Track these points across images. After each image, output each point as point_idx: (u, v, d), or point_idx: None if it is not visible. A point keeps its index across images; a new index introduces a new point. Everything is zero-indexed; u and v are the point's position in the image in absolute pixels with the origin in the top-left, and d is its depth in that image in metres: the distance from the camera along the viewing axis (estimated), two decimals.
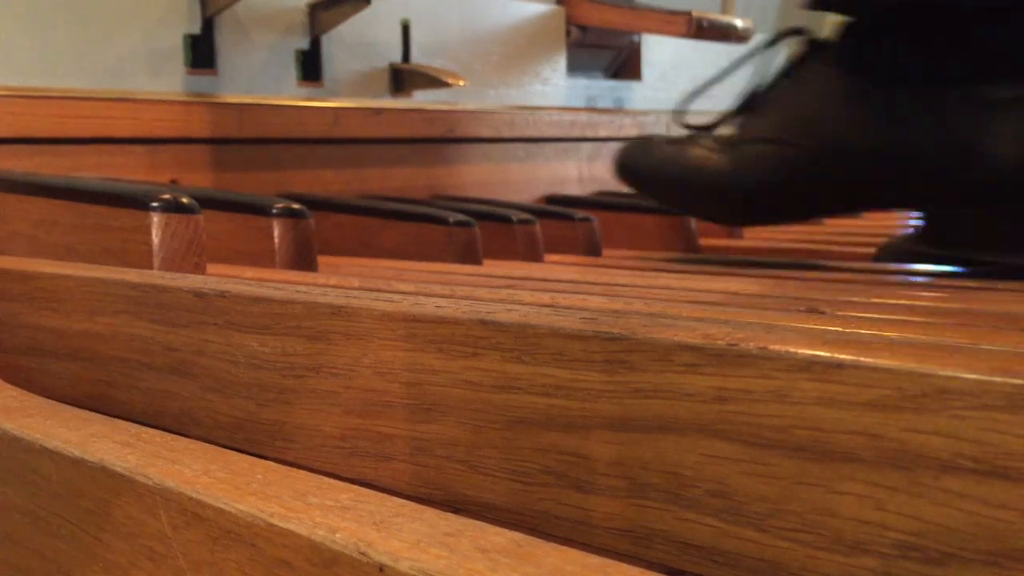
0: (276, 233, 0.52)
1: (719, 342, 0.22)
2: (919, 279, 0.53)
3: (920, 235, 0.63)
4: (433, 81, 0.85)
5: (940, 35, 0.57)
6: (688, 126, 0.70)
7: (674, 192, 0.66)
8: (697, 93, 0.72)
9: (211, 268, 0.49)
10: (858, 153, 0.57)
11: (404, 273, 0.52)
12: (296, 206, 0.54)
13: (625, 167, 0.69)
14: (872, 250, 0.68)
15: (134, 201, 0.47)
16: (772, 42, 0.67)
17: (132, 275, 0.37)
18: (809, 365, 0.20)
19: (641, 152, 0.68)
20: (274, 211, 0.53)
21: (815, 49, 0.62)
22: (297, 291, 0.31)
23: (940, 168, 0.56)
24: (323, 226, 0.65)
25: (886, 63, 0.57)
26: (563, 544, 0.19)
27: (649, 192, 0.69)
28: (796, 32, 0.64)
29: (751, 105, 0.64)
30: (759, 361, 0.21)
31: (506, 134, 0.95)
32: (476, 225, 0.64)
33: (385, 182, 0.84)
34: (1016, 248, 0.57)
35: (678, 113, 0.71)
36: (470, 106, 0.92)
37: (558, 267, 0.63)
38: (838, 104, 0.58)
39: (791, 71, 0.62)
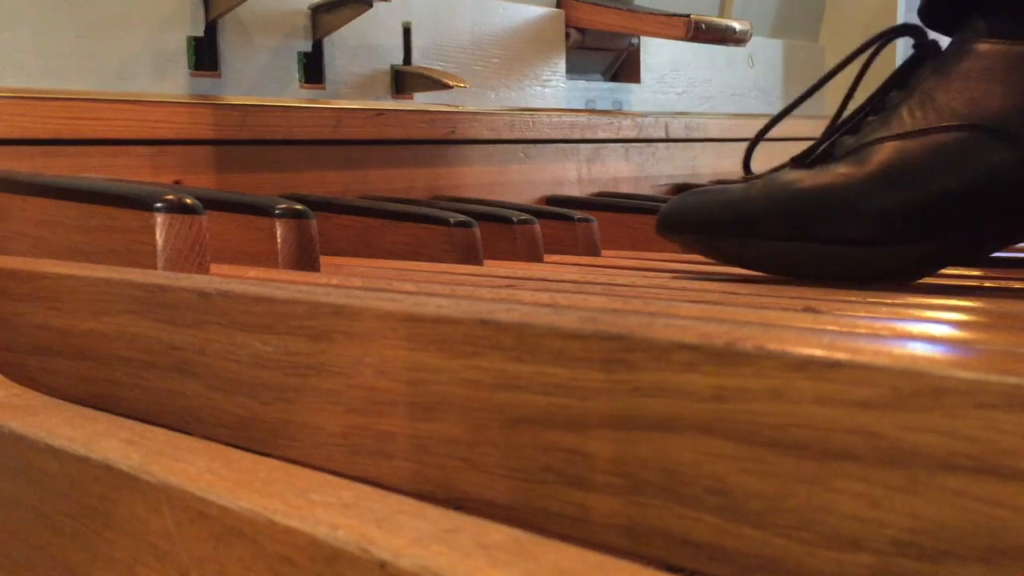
0: (279, 233, 0.52)
1: (717, 341, 0.22)
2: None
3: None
4: (434, 83, 0.86)
5: None
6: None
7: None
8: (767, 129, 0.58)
9: (214, 268, 0.49)
10: None
11: (405, 273, 0.53)
12: (299, 207, 0.54)
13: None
14: None
15: (138, 202, 0.47)
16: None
17: (136, 275, 0.38)
18: (805, 364, 0.20)
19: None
20: (277, 212, 0.53)
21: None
22: (299, 291, 0.31)
23: None
24: (325, 227, 0.65)
25: None
26: (563, 541, 0.19)
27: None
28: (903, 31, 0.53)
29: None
30: (756, 360, 0.21)
31: (506, 136, 0.95)
32: (476, 226, 0.64)
33: (386, 183, 0.84)
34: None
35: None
36: (470, 108, 0.92)
37: (558, 267, 0.64)
38: None
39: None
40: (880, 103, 0.51)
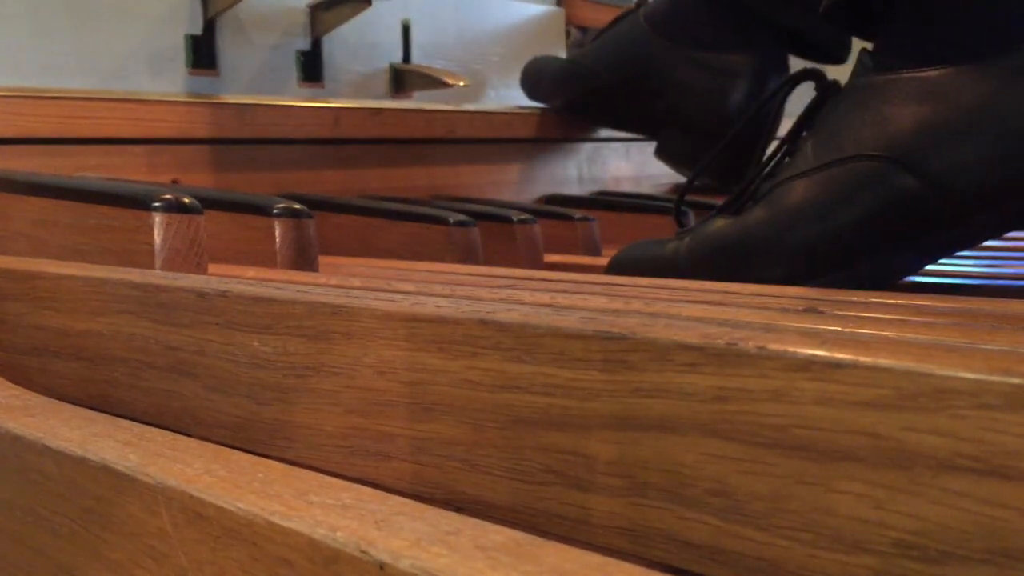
0: (277, 233, 0.52)
1: (718, 342, 0.22)
2: (918, 279, 0.53)
3: None
4: (433, 82, 0.85)
5: None
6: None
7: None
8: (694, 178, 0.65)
9: (212, 268, 0.49)
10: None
11: (405, 273, 0.52)
12: (297, 206, 0.54)
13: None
14: None
15: (136, 201, 0.47)
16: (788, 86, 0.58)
17: (134, 275, 0.37)
18: (808, 365, 0.20)
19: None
20: (275, 211, 0.53)
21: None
22: (298, 291, 0.31)
23: None
24: (324, 226, 0.65)
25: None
26: (563, 543, 0.19)
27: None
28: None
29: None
30: (758, 361, 0.21)
31: (506, 135, 0.95)
32: (476, 225, 0.64)
33: (385, 182, 0.84)
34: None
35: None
36: (470, 107, 0.92)
37: (558, 267, 0.64)
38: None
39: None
40: (793, 145, 0.53)
